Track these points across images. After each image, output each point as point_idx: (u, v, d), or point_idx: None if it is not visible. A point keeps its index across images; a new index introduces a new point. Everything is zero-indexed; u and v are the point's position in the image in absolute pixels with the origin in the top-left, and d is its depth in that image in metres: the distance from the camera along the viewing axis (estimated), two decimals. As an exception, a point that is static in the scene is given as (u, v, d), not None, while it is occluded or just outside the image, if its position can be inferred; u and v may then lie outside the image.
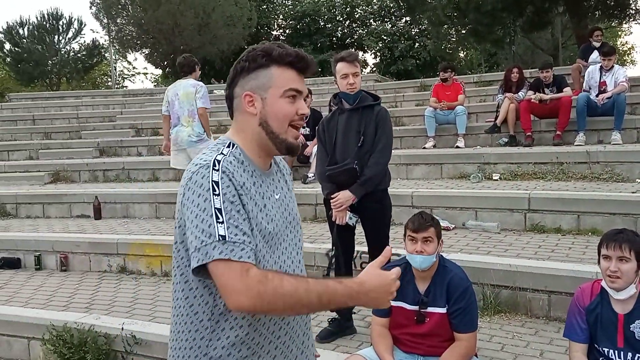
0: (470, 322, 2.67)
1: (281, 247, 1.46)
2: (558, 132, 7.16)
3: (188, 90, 6.04)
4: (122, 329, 3.79)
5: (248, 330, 1.39)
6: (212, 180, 1.32)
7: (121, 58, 34.69)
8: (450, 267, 2.76)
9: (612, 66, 7.14)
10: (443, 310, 2.67)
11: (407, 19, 25.97)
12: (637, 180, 5.71)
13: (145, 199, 7.07)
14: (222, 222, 1.28)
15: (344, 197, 3.41)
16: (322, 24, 29.23)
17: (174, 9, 22.52)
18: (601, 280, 2.49)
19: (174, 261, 1.46)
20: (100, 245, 5.67)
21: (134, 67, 47.01)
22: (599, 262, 2.47)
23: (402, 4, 19.45)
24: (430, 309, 2.69)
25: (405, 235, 2.75)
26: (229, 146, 1.44)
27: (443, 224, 5.28)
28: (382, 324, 2.82)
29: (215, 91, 14.47)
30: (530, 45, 21.66)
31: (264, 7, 29.34)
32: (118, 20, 25.48)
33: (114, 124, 12.04)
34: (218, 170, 1.33)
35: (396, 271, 1.38)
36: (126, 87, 33.52)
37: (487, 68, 21.99)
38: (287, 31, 30.47)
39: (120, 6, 24.80)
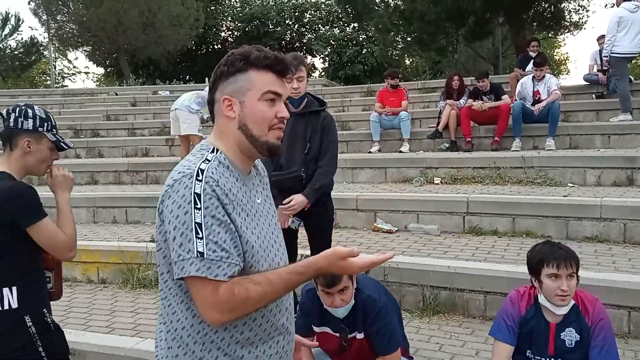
0: (388, 343, 2.60)
1: (267, 249, 1.46)
2: (496, 138, 7.44)
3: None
4: (54, 339, 3.62)
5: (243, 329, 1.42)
6: (194, 193, 1.29)
7: (61, 56, 33.36)
8: (364, 288, 2.64)
9: (544, 76, 7.50)
10: (362, 335, 2.64)
11: (355, 25, 26.32)
12: (569, 184, 6.01)
13: (82, 203, 6.81)
14: (202, 238, 1.27)
15: (299, 202, 3.38)
16: (271, 27, 29.17)
17: (118, 6, 21.88)
18: (532, 288, 2.56)
19: (163, 267, 1.43)
20: (33, 251, 5.40)
21: (74, 66, 45.31)
22: (535, 279, 2.47)
23: (350, 11, 19.72)
24: (350, 335, 2.64)
25: (317, 288, 2.60)
26: (212, 151, 1.42)
27: (386, 227, 5.41)
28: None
29: (160, 92, 14.16)
30: (472, 54, 22.43)
31: (212, 8, 29.00)
32: (58, 17, 24.54)
33: (51, 124, 11.52)
34: (201, 181, 1.31)
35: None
36: (66, 86, 32.18)
37: (432, 75, 22.58)
38: (236, 33, 30.22)
39: (60, 2, 23.88)
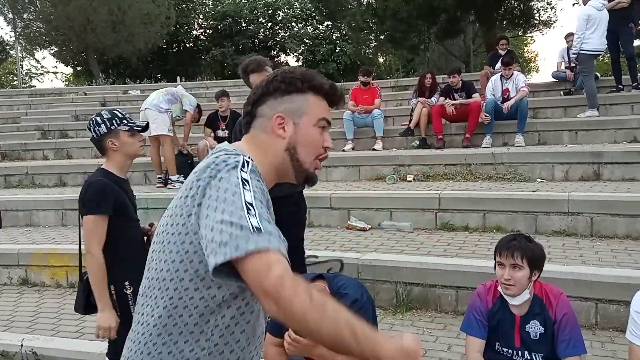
0: None
1: None
2: (467, 135, 7.54)
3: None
4: (22, 345, 3.56)
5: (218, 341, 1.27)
6: (242, 177, 1.20)
7: (28, 56, 32.57)
8: (348, 290, 2.60)
9: (513, 74, 7.63)
10: None
11: (329, 23, 26.35)
12: (537, 179, 6.13)
13: (50, 206, 6.65)
14: (255, 215, 1.13)
15: None
16: (244, 25, 28.97)
17: (86, 4, 21.45)
18: (497, 282, 2.61)
19: (161, 263, 1.28)
20: (0, 256, 5.27)
21: (42, 66, 44.26)
22: (495, 267, 2.57)
23: (322, 9, 19.74)
24: None
25: None
26: (248, 158, 1.30)
27: (360, 224, 5.43)
28: (278, 344, 2.64)
29: (130, 91, 13.94)
30: (444, 52, 22.68)
31: (184, 5, 28.66)
32: (25, 16, 23.94)
33: (18, 125, 11.26)
34: (246, 171, 1.22)
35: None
36: (34, 86, 31.40)
37: (405, 73, 22.78)
38: (208, 31, 29.93)
39: (27, 0, 23.27)
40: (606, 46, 7.91)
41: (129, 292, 2.53)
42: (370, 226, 5.51)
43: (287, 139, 1.36)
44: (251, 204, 1.14)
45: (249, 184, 1.19)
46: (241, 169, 1.21)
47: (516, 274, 2.43)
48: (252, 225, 1.10)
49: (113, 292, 2.52)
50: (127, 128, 2.58)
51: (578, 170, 6.07)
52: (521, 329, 2.53)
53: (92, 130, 2.59)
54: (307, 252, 4.18)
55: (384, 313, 3.97)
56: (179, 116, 7.24)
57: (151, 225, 2.75)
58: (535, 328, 2.51)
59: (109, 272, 2.50)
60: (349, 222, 5.52)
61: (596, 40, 7.56)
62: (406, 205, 5.54)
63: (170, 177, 7.15)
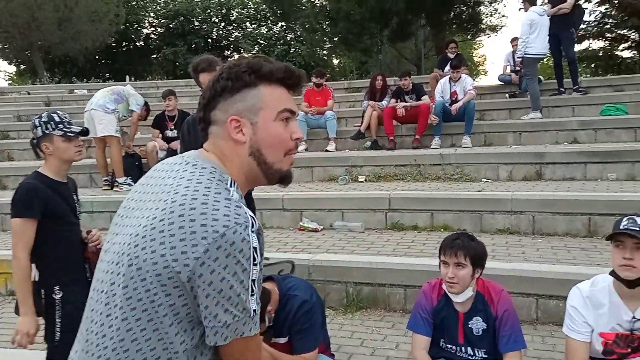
0: (308, 342, 2.60)
1: None
2: (417, 137, 7.69)
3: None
4: (-46, 358, 3.36)
5: None
6: (252, 247, 1.10)
7: (-33, 53, 30.90)
8: (297, 291, 2.63)
9: (460, 77, 7.84)
10: (285, 339, 2.63)
11: (283, 24, 26.31)
12: (483, 179, 6.32)
13: (-11, 210, 6.34)
14: (254, 295, 1.13)
15: None
16: (196, 24, 28.53)
17: (31, 1, 20.61)
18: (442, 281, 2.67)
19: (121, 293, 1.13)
20: None
21: (-17, 63, 42.13)
22: (439, 266, 2.61)
23: (276, 10, 19.70)
24: (273, 340, 2.62)
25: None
26: (231, 185, 1.19)
27: (312, 225, 5.44)
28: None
29: (76, 91, 13.48)
30: (396, 54, 23.04)
31: (134, 3, 27.97)
32: (-37, 11, 22.67)
33: (-46, 126, 10.67)
34: (254, 232, 1.12)
35: None
36: (-27, 85, 29.85)
37: (359, 75, 23.00)
38: (159, 30, 29.31)
39: (-35, -5, 22.11)
40: (549, 50, 8.25)
41: (57, 297, 2.49)
42: (322, 227, 5.53)
43: (248, 142, 1.22)
44: (254, 282, 1.12)
45: (257, 256, 1.12)
46: (252, 231, 1.11)
47: (460, 272, 2.49)
48: (252, 309, 1.12)
49: (43, 296, 2.49)
50: (60, 133, 2.55)
51: (521, 170, 6.30)
52: (464, 326, 2.59)
53: (32, 132, 2.61)
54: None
55: (335, 313, 3.99)
56: (125, 116, 7.05)
57: (88, 232, 2.66)
58: (477, 324, 2.58)
59: (40, 276, 2.49)
60: (301, 223, 5.52)
61: (539, 45, 7.86)
62: (358, 206, 5.59)
63: (117, 179, 6.94)
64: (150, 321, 1.12)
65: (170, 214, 1.11)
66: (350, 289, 4.10)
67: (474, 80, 9.60)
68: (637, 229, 2.22)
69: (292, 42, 27.31)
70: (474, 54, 34.70)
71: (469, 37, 21.53)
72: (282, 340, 2.64)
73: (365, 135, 8.02)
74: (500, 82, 9.87)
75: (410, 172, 6.67)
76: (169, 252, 1.09)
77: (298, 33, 25.09)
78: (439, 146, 7.43)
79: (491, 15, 19.86)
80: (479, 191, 5.57)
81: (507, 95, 9.36)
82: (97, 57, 26.79)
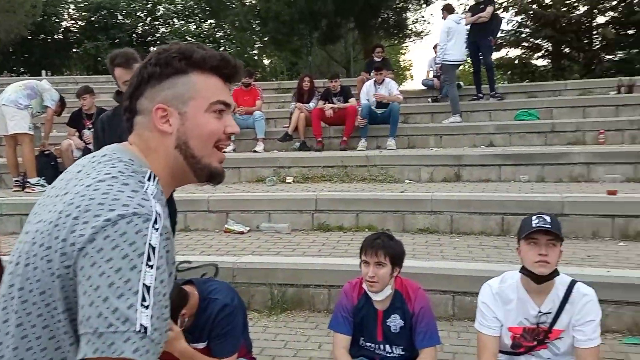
0: (227, 347, 2.59)
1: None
2: (344, 138, 7.81)
3: None
4: None
5: None
6: (149, 244, 0.93)
7: None
8: (218, 295, 2.61)
9: (384, 80, 8.04)
10: (203, 345, 2.60)
11: (212, 22, 25.87)
12: (406, 181, 6.52)
13: None
14: (148, 307, 0.90)
15: None
16: (120, 18, 27.41)
17: None
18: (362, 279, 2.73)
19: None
20: None
21: None
22: (360, 266, 2.68)
23: (205, 7, 19.33)
24: (191, 345, 2.58)
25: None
26: (149, 178, 1.06)
27: (238, 227, 5.38)
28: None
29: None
30: (327, 56, 23.28)
31: (52, -6, 26.44)
32: None
33: None
34: (158, 229, 0.96)
35: None
36: None
37: (289, 76, 23.05)
38: (80, 23, 27.90)
39: None
40: (467, 57, 8.66)
41: None
42: (248, 228, 5.48)
43: (175, 133, 1.11)
44: (149, 289, 0.91)
45: (154, 256, 0.93)
46: (153, 226, 0.95)
47: (380, 271, 2.56)
48: (139, 323, 0.88)
49: None
50: None
51: (441, 172, 6.56)
52: (383, 323, 2.66)
53: None
54: (180, 258, 4.06)
55: (259, 316, 3.98)
56: (38, 112, 6.64)
57: None
58: (395, 322, 2.66)
59: None
60: (226, 225, 5.45)
61: (456, 52, 8.24)
62: (285, 207, 5.59)
63: (29, 180, 6.53)
64: (45, 328, 0.98)
65: (69, 206, 0.99)
66: (275, 291, 4.10)
67: (399, 84, 9.90)
68: (549, 226, 2.35)
69: (222, 41, 26.89)
70: (400, 59, 35.71)
71: (395, 42, 22.14)
72: (201, 346, 2.60)
73: (292, 137, 8.04)
74: (423, 87, 10.23)
75: (337, 174, 6.76)
76: (60, 246, 0.96)
77: (228, 31, 24.77)
78: (365, 148, 7.59)
79: (417, 22, 20.56)
80: (401, 192, 5.74)
81: (429, 99, 9.73)
82: (10, 49, 25.07)
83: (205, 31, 28.06)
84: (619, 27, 15.00)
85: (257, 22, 17.34)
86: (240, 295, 4.01)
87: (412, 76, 38.39)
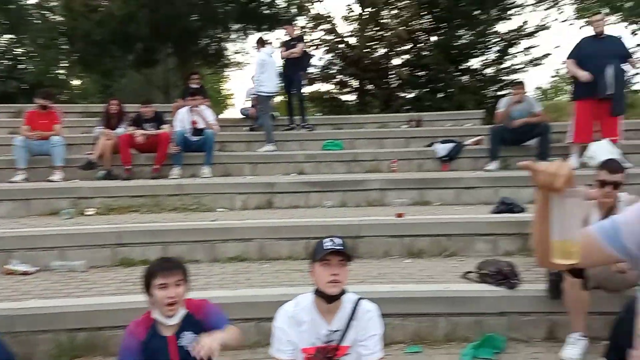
0: None
1: None
2: (156, 166, 7.47)
3: None
4: None
5: None
6: None
7: None
8: None
9: (198, 106, 7.93)
10: None
11: (12, 37, 23.03)
12: (219, 209, 6.44)
13: None
14: None
15: None
16: None
17: None
18: (149, 312, 2.59)
19: None
20: None
21: None
22: (148, 293, 2.57)
23: (2, 20, 17.20)
24: None
25: None
26: None
27: (22, 267, 4.75)
28: None
29: None
30: (145, 80, 22.31)
31: None
32: None
33: None
34: None
35: None
36: None
37: (102, 99, 21.49)
38: None
39: None
40: (280, 89, 9.02)
41: None
42: (37, 268, 4.85)
43: None
44: None
45: None
46: None
47: (179, 290, 2.55)
48: None
49: None
50: None
51: (255, 199, 6.63)
52: (179, 348, 2.56)
53: None
54: None
55: (43, 367, 3.50)
56: None
57: None
58: (188, 338, 2.57)
59: None
60: (6, 266, 4.75)
61: (270, 84, 8.55)
62: (82, 242, 5.09)
63: None
64: None
65: None
66: (64, 337, 3.66)
67: (217, 114, 9.88)
68: (341, 247, 2.53)
69: (23, 58, 24.03)
70: (221, 88, 35.88)
71: (215, 70, 22.15)
72: None
73: (96, 165, 7.44)
74: (242, 115, 10.36)
75: (145, 203, 6.41)
76: None
77: (29, 48, 22.26)
78: (179, 176, 7.35)
79: (238, 53, 20.84)
80: (212, 221, 5.64)
81: (247, 128, 9.87)
82: None
83: (3, 47, 24.85)
84: (412, 69, 17.01)
85: (63, 40, 15.91)
86: (21, 346, 3.54)
87: (233, 105, 38.83)
